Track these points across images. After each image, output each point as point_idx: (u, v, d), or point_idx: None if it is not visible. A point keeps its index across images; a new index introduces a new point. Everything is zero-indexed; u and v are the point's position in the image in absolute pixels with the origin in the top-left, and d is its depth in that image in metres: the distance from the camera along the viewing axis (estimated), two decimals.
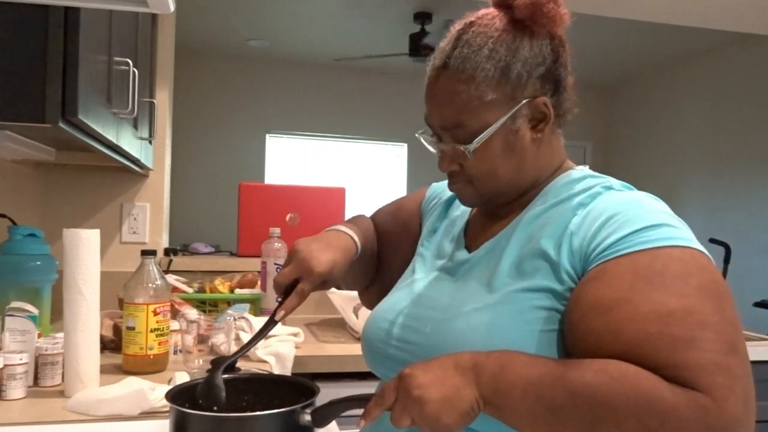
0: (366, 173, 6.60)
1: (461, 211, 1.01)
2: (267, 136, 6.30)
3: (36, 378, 1.28)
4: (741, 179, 5.06)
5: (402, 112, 6.44)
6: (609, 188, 0.84)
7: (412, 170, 6.60)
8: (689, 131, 5.61)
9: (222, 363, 0.85)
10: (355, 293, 1.87)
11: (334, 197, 2.40)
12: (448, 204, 1.05)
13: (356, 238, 0.99)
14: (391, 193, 6.51)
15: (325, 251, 0.92)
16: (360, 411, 0.74)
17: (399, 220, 1.11)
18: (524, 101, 0.83)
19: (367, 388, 0.84)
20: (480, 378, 0.70)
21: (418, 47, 4.75)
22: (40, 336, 1.34)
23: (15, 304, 1.30)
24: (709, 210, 5.33)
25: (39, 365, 1.28)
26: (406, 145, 6.60)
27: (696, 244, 0.74)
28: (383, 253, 1.11)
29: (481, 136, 0.83)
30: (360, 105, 6.46)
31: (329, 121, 6.39)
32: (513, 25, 0.84)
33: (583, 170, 0.90)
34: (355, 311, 1.85)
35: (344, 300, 1.89)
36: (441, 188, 1.09)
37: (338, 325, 2.04)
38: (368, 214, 1.20)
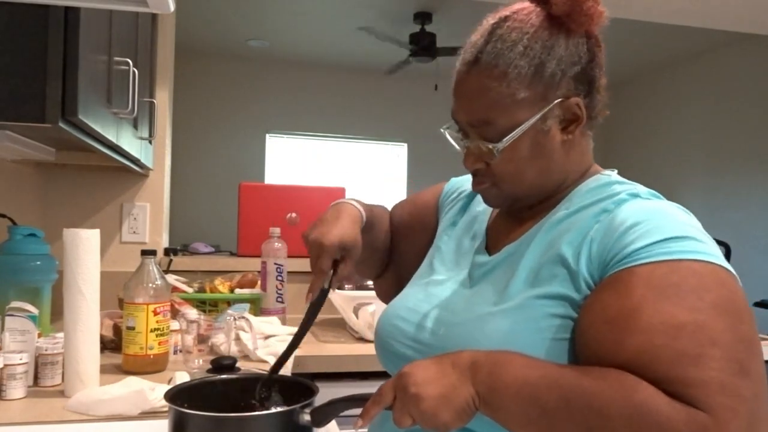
0: (366, 173, 6.61)
1: (483, 207, 0.98)
2: (267, 136, 6.31)
3: (36, 378, 1.28)
4: (741, 179, 5.06)
5: (402, 112, 6.45)
6: (635, 196, 0.80)
7: (412, 170, 6.60)
8: (689, 131, 5.60)
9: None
10: (355, 293, 1.88)
11: (334, 197, 2.35)
12: (470, 198, 1.02)
13: (359, 208, 0.97)
14: (391, 192, 6.52)
15: (332, 226, 0.90)
16: (359, 411, 0.74)
17: (416, 212, 1.10)
18: (556, 101, 0.80)
19: (367, 388, 0.84)
20: (476, 376, 0.69)
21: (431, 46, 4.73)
22: (40, 336, 1.34)
23: (15, 304, 1.30)
24: (709, 210, 5.32)
25: (39, 365, 1.28)
26: (406, 144, 6.61)
27: (720, 261, 0.71)
28: (398, 245, 1.10)
29: (511, 135, 0.80)
30: (360, 105, 6.46)
31: (329, 121, 6.39)
32: (549, 21, 0.81)
33: (610, 175, 0.87)
34: (355, 311, 1.85)
35: (344, 300, 1.89)
36: (461, 182, 1.07)
37: (338, 325, 2.04)
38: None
